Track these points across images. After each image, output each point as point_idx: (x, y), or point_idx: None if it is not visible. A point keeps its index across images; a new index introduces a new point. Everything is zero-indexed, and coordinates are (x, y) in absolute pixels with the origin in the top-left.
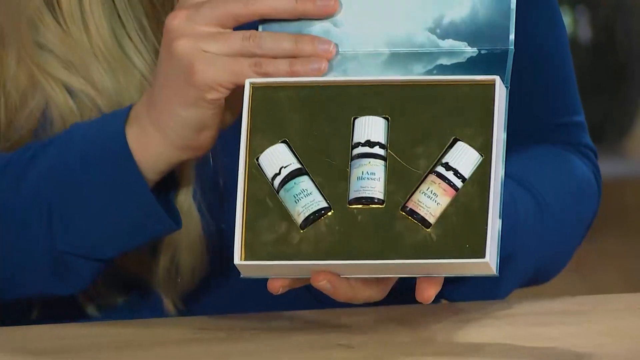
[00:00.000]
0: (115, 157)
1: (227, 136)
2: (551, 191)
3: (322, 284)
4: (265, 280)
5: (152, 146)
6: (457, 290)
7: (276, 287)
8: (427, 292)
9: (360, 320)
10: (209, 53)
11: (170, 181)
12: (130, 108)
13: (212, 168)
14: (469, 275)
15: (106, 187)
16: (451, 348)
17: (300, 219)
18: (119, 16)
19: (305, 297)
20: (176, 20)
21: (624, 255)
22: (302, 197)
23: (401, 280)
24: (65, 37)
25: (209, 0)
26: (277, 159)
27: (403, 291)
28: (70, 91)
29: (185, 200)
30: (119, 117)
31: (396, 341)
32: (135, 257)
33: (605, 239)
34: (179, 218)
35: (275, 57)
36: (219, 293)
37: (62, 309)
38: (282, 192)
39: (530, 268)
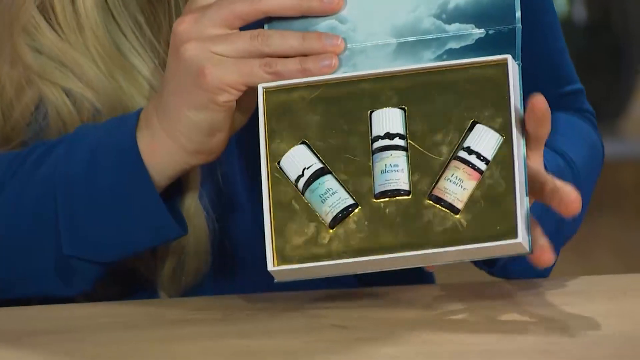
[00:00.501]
0: (126, 162)
1: (232, 138)
2: (579, 157)
3: None
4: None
5: (163, 152)
6: (510, 267)
7: None
8: (544, 258)
9: (354, 301)
10: (217, 55)
11: (176, 186)
12: (139, 112)
13: (218, 170)
14: (503, 256)
15: (115, 192)
16: (446, 327)
17: (328, 219)
18: (113, 16)
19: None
20: (183, 25)
21: (620, 236)
22: (328, 197)
23: None
24: (61, 42)
25: (214, 2)
26: (299, 160)
27: (397, 272)
28: (68, 94)
29: (192, 203)
30: (130, 121)
31: (390, 322)
32: (140, 259)
33: (600, 219)
34: (185, 224)
35: (284, 56)
36: (221, 292)
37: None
38: (307, 193)
39: (570, 236)
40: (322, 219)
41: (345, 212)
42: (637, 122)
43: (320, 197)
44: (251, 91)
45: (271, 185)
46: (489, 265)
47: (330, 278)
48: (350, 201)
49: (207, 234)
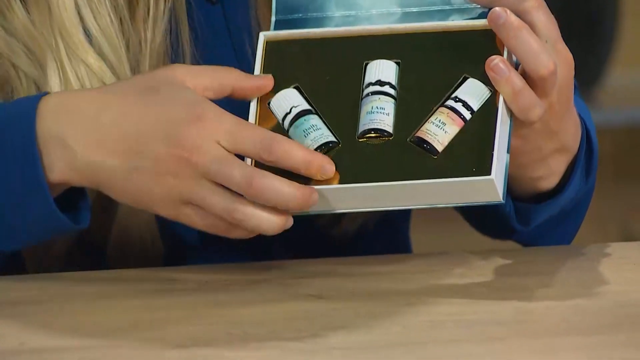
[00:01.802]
0: (21, 160)
1: None
2: (592, 130)
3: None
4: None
5: (71, 180)
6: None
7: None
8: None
9: (330, 271)
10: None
11: None
12: (39, 98)
13: None
14: (477, 203)
15: (5, 184)
16: (421, 297)
17: None
18: None
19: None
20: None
21: (596, 204)
22: (311, 132)
23: (373, 229)
24: (29, 23)
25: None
26: (288, 100)
27: (373, 242)
28: (33, 79)
29: None
30: (29, 114)
31: (366, 291)
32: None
33: None
34: (86, 216)
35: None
36: None
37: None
38: (291, 129)
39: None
40: None
41: (326, 147)
42: (613, 91)
43: (304, 132)
44: None
45: (258, 121)
46: (522, 223)
47: (306, 248)
48: (332, 138)
49: (152, 216)
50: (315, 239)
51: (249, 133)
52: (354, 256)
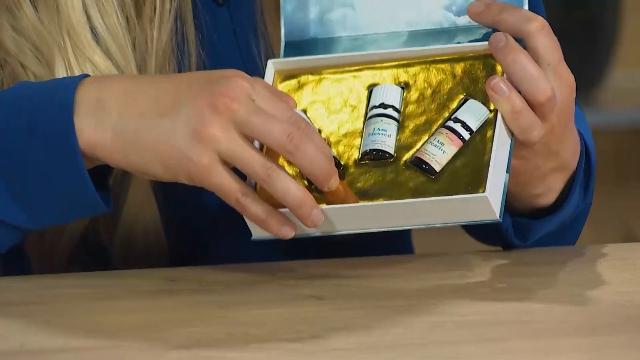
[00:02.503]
0: (60, 144)
1: None
2: (589, 142)
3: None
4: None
5: (107, 157)
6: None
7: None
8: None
9: (330, 272)
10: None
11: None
12: (77, 81)
13: None
14: (474, 221)
15: (40, 159)
16: (422, 298)
17: None
18: None
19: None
20: (214, 129)
21: (597, 205)
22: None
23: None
24: (38, 22)
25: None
26: None
27: (373, 243)
28: (37, 77)
29: (141, 187)
30: (68, 94)
31: (367, 292)
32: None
33: None
34: (110, 200)
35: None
36: None
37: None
38: None
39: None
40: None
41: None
42: (614, 92)
43: None
44: None
45: (265, 146)
46: (520, 238)
47: (307, 249)
48: (335, 160)
49: (158, 216)
50: (316, 240)
51: (279, 104)
52: (354, 257)
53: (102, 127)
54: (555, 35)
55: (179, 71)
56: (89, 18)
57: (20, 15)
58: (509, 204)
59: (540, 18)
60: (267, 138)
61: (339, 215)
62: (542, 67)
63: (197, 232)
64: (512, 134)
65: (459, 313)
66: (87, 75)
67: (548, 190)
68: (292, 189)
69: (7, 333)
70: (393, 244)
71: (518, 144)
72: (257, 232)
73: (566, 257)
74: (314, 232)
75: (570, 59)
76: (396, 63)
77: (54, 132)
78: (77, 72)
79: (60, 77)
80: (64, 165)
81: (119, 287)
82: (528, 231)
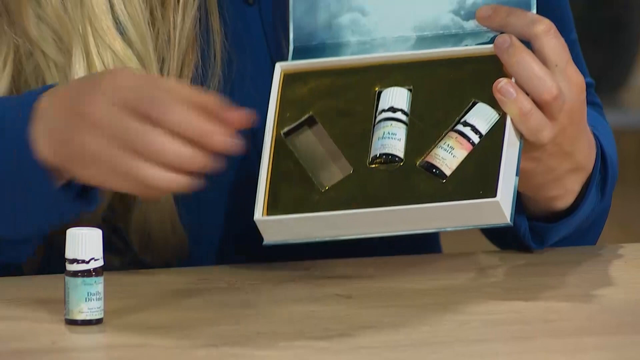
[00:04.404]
0: (20, 155)
1: None
2: (608, 147)
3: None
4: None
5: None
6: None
7: None
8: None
9: (358, 271)
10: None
11: None
12: (36, 97)
13: None
14: (485, 225)
15: (9, 178)
16: (449, 296)
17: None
18: None
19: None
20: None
21: (621, 205)
22: None
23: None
24: (62, 10)
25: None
26: None
27: (401, 241)
28: (58, 67)
29: None
30: (26, 109)
31: (394, 292)
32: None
33: None
34: (95, 196)
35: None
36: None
37: None
38: None
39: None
40: (316, 180)
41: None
42: (638, 93)
43: None
44: None
45: (273, 151)
46: (537, 242)
47: (332, 246)
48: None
49: (173, 206)
50: (344, 239)
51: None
52: (382, 256)
53: (45, 135)
54: (582, 36)
55: (202, 60)
56: (111, 6)
57: (45, 3)
58: (527, 208)
59: (547, 20)
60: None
61: (349, 220)
62: (550, 68)
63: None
64: (521, 137)
65: (485, 312)
66: (51, 86)
67: (565, 193)
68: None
69: (39, 331)
70: (421, 244)
71: (529, 146)
72: (269, 238)
73: (591, 257)
74: (322, 235)
75: (595, 59)
76: (404, 66)
77: (14, 145)
78: (96, 61)
79: (76, 64)
80: (22, 164)
81: (147, 287)
82: (545, 234)
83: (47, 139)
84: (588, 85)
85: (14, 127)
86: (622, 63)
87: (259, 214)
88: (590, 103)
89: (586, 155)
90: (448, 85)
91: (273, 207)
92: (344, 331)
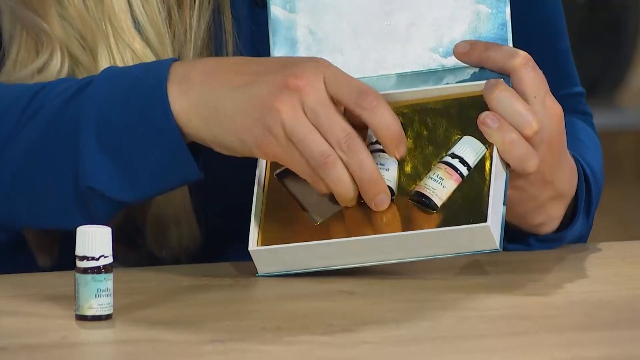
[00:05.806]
0: (156, 116)
1: None
2: (593, 161)
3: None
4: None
5: (188, 126)
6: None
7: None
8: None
9: (362, 268)
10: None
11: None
12: (169, 64)
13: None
14: (476, 252)
15: (138, 132)
16: (449, 293)
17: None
18: None
19: None
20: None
21: (619, 205)
22: None
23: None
24: (84, 10)
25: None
26: None
27: None
28: (84, 66)
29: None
30: (162, 72)
31: (396, 288)
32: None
33: None
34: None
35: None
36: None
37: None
38: None
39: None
40: (309, 215)
41: None
42: (635, 93)
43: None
44: None
45: (266, 189)
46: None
47: None
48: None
49: (189, 203)
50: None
51: (348, 81)
52: None
53: (187, 96)
54: (580, 37)
55: None
56: (130, 6)
57: (67, 3)
58: (513, 235)
59: (524, 53)
60: (330, 129)
61: (340, 248)
62: (529, 100)
63: (229, 219)
64: (507, 167)
65: (485, 308)
66: (176, 60)
67: (548, 219)
68: (366, 164)
69: (49, 326)
70: None
71: (514, 175)
72: (262, 268)
73: (589, 254)
74: (316, 265)
75: (593, 60)
76: (391, 105)
77: (148, 98)
78: (118, 60)
79: (102, 64)
80: (158, 128)
81: (154, 282)
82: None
83: (190, 107)
84: (579, 95)
85: (151, 84)
86: (620, 63)
87: (252, 244)
88: (580, 112)
89: (567, 182)
90: (435, 124)
91: (267, 238)
92: (347, 326)
